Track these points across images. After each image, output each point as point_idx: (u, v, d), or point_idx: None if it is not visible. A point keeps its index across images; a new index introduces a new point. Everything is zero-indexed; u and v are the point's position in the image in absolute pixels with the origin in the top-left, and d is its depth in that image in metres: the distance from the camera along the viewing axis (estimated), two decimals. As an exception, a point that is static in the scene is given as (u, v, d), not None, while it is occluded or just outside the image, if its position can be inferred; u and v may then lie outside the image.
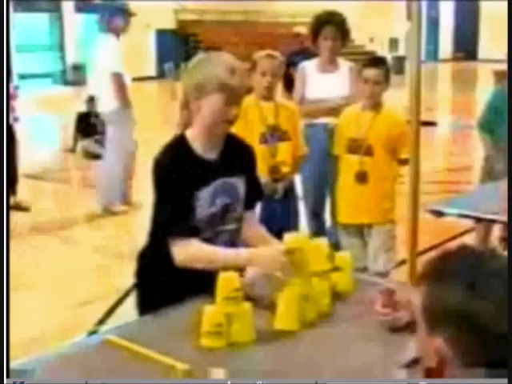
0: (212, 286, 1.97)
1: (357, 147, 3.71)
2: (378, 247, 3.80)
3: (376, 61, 3.78)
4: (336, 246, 3.87)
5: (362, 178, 3.72)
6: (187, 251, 2.16)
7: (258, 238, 2.35)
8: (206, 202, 2.20)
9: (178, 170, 2.16)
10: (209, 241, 2.21)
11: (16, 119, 6.51)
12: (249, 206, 2.37)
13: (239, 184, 2.29)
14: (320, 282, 2.09)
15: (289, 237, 2.10)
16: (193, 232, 2.17)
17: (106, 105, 6.27)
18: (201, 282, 2.08)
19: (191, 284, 2.13)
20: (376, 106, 3.71)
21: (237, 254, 2.21)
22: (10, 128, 6.28)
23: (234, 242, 2.32)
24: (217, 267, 2.06)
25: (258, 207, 3.43)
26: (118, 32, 6.14)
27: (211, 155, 2.24)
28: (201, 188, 2.19)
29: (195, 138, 2.22)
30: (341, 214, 3.91)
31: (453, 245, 1.13)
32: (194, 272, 2.14)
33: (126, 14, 6.20)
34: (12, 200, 6.24)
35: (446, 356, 1.03)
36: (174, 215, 2.15)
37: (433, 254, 1.09)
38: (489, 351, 1.01)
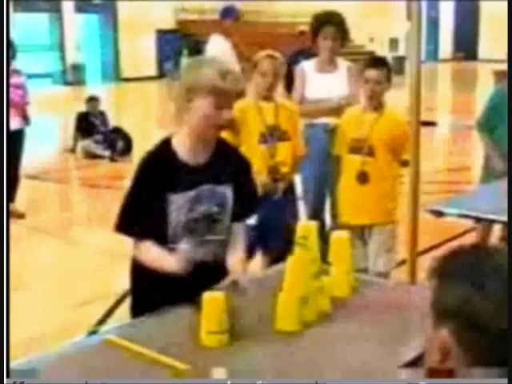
0: (202, 290, 1.96)
1: (359, 147, 3.71)
2: (378, 247, 3.79)
3: (377, 61, 3.78)
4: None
5: (363, 178, 3.71)
6: (140, 251, 2.19)
7: (236, 261, 2.24)
8: (182, 207, 2.16)
9: (152, 171, 2.16)
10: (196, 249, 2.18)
11: (28, 123, 6.40)
12: (236, 217, 2.28)
13: (227, 192, 2.23)
14: (318, 282, 2.09)
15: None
16: (158, 236, 2.15)
17: None
18: (193, 288, 2.04)
19: (182, 288, 2.08)
20: (378, 106, 3.71)
21: (156, 258, 2.15)
22: (21, 132, 6.22)
23: (218, 254, 2.24)
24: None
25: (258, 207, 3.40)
26: (226, 32, 6.45)
27: (198, 160, 2.19)
28: (174, 192, 2.14)
29: (181, 142, 2.19)
30: (342, 215, 3.91)
31: (455, 244, 1.14)
32: (192, 280, 2.07)
33: (236, 15, 6.55)
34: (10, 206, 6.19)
35: (449, 350, 1.04)
36: (134, 214, 2.17)
37: (433, 254, 1.10)
38: (489, 350, 1.01)
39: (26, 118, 6.32)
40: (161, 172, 2.15)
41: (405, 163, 3.61)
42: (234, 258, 2.23)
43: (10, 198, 6.17)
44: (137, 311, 2.26)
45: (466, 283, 1.04)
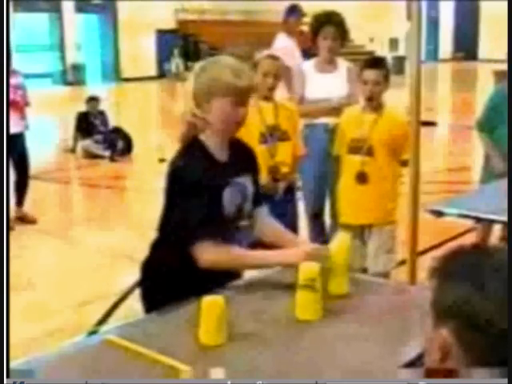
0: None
1: (358, 147, 3.71)
2: (378, 248, 3.79)
3: (375, 62, 3.77)
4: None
5: (362, 178, 3.72)
6: (216, 254, 2.18)
7: (276, 233, 2.44)
8: (228, 202, 2.24)
9: (203, 173, 2.18)
10: (226, 240, 2.23)
11: (27, 127, 6.16)
12: (258, 203, 2.41)
13: (247, 183, 2.34)
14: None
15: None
16: (219, 234, 2.20)
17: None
18: (207, 292, 2.08)
19: (198, 294, 2.12)
20: (377, 107, 3.71)
21: (265, 256, 2.27)
22: (21, 135, 6.02)
23: (245, 239, 2.37)
24: (245, 269, 2.12)
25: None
26: (290, 30, 6.54)
27: (223, 157, 2.29)
28: (225, 189, 2.24)
29: (209, 141, 2.26)
30: (341, 215, 3.91)
31: (455, 244, 1.14)
32: (200, 282, 2.13)
33: (299, 13, 6.62)
34: (18, 212, 6.14)
35: (449, 349, 1.04)
36: (205, 218, 2.17)
37: (433, 254, 1.10)
38: (489, 350, 1.01)
39: (25, 120, 6.12)
40: (210, 172, 2.20)
41: (404, 163, 3.61)
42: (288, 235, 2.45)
43: (20, 202, 6.14)
44: (153, 305, 2.26)
45: (467, 283, 1.04)
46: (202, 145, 2.25)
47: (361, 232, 3.83)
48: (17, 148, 5.87)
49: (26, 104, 6.12)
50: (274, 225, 2.48)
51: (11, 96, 5.66)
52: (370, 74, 3.63)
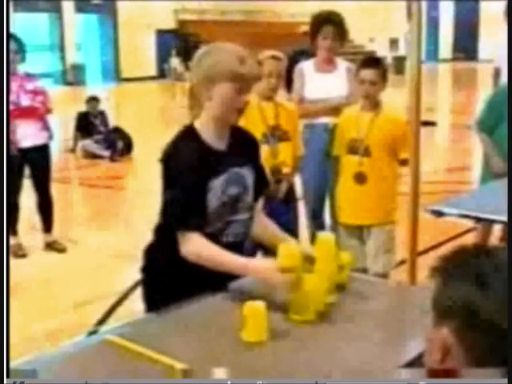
0: (219, 282, 1.98)
1: (356, 148, 3.71)
2: (377, 248, 3.79)
3: (371, 61, 3.76)
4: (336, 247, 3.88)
5: (360, 178, 3.72)
6: (193, 246, 2.13)
7: (269, 233, 2.36)
8: (217, 192, 2.19)
9: (190, 161, 2.14)
10: (220, 231, 2.20)
11: (51, 137, 5.38)
12: (256, 196, 2.35)
13: (248, 173, 2.29)
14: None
15: (283, 252, 2.05)
16: (203, 224, 2.16)
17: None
18: (209, 278, 2.09)
19: (199, 279, 2.12)
20: (374, 106, 3.71)
21: (244, 265, 2.15)
22: (44, 148, 5.27)
23: (245, 232, 2.31)
24: (218, 270, 2.07)
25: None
26: None
27: (220, 145, 2.23)
28: (212, 178, 2.18)
29: (205, 129, 2.21)
30: (341, 215, 3.91)
31: (455, 244, 1.14)
32: (201, 268, 2.12)
33: None
34: (46, 237, 5.50)
35: (450, 349, 1.04)
36: (186, 208, 2.13)
37: (433, 254, 1.10)
38: (490, 350, 1.01)
39: (49, 130, 5.35)
40: (199, 160, 2.15)
41: (404, 162, 3.60)
42: (275, 230, 2.36)
43: (47, 227, 5.49)
44: (153, 303, 2.25)
45: (467, 283, 1.04)
46: (195, 133, 2.21)
47: (360, 232, 3.83)
48: (37, 163, 5.24)
49: (48, 111, 5.33)
50: (270, 226, 2.39)
51: (29, 102, 5.10)
52: (367, 74, 3.62)
